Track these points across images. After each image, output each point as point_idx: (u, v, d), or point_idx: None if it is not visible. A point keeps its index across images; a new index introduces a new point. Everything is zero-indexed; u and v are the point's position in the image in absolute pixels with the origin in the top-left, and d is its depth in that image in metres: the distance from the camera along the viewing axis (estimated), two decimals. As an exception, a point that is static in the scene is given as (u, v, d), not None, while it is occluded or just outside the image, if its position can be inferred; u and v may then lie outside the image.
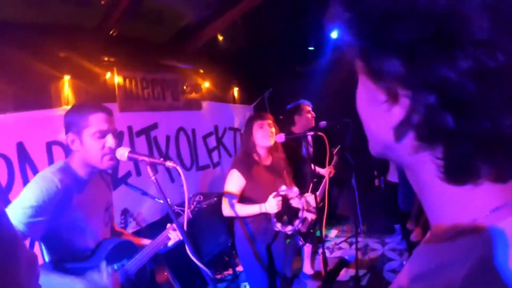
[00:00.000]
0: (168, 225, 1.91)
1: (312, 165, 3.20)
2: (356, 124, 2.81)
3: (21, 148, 2.42)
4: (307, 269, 3.87)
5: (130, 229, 3.01)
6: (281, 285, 2.92)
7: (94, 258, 1.62)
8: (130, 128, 3.34)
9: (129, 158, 1.51)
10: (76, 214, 1.55)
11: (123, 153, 1.52)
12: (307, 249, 3.64)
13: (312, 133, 2.38)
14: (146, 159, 1.45)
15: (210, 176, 4.21)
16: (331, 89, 4.60)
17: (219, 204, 3.47)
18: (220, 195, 3.62)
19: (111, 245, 1.69)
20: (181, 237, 1.84)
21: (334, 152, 3.22)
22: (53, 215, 1.45)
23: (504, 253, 0.34)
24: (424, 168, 0.41)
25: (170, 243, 1.88)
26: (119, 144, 3.24)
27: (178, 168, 1.44)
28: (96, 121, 1.57)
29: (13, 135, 2.39)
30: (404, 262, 3.81)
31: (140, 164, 3.31)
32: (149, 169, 1.43)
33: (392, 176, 4.13)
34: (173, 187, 3.61)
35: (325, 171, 3.01)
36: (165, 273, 3.06)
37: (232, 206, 2.49)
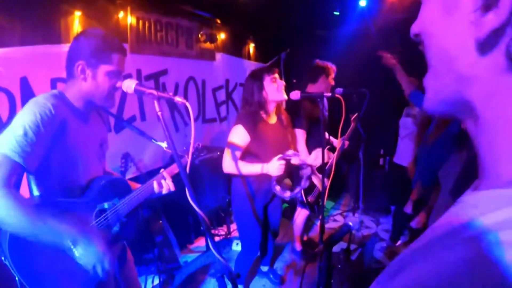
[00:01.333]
0: (162, 170, 1.84)
1: (326, 134, 3.08)
2: (372, 95, 2.69)
3: (24, 83, 2.32)
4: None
5: (130, 174, 2.99)
6: (270, 239, 2.92)
7: (86, 194, 1.57)
8: (139, 72, 3.23)
9: (136, 91, 1.41)
10: (69, 145, 1.48)
11: (130, 85, 1.42)
12: (301, 217, 3.61)
13: (329, 94, 2.23)
14: (154, 92, 1.35)
15: (215, 130, 4.13)
16: (350, 58, 4.41)
17: (221, 158, 3.43)
18: (223, 150, 3.58)
19: (103, 181, 1.63)
20: (172, 188, 1.79)
21: (352, 119, 3.10)
22: (47, 143, 1.37)
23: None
24: (510, 95, 0.35)
25: (163, 191, 1.80)
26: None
27: (187, 104, 1.34)
28: (117, 60, 1.52)
29: (17, 69, 2.29)
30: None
31: (146, 105, 3.24)
32: (156, 104, 1.32)
33: (398, 158, 4.05)
34: (176, 136, 3.55)
35: (338, 142, 2.90)
36: (160, 222, 3.07)
37: (235, 161, 2.38)
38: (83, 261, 1.33)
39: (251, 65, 4.86)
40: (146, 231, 3.04)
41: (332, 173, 2.66)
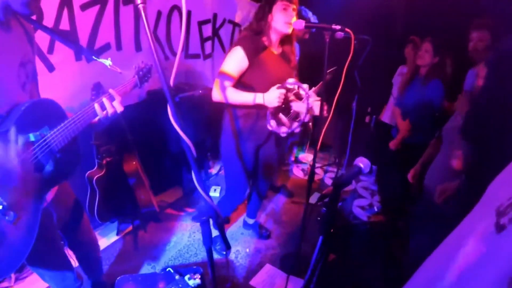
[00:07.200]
0: (110, 90, 1.50)
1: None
2: (374, 44, 2.45)
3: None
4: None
5: (101, 107, 2.70)
6: (260, 189, 2.77)
7: (4, 123, 1.14)
8: (116, -7, 2.82)
9: None
10: None
11: None
12: None
13: (339, 27, 1.94)
14: None
15: (199, 67, 3.77)
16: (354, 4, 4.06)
17: (202, 97, 3.16)
18: (206, 88, 3.31)
19: (26, 105, 1.17)
20: (119, 109, 1.47)
21: (328, 71, 2.88)
22: None
23: None
24: None
25: (109, 112, 1.47)
26: (100, 13, 2.70)
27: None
28: None
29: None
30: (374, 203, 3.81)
31: (123, 33, 2.86)
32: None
33: (386, 117, 3.93)
34: (154, 70, 3.22)
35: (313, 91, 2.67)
36: (134, 163, 2.76)
37: (223, 88, 2.13)
38: None
39: (242, 2, 4.43)
40: (120, 172, 2.80)
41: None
